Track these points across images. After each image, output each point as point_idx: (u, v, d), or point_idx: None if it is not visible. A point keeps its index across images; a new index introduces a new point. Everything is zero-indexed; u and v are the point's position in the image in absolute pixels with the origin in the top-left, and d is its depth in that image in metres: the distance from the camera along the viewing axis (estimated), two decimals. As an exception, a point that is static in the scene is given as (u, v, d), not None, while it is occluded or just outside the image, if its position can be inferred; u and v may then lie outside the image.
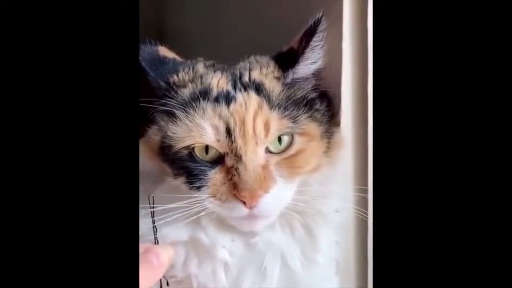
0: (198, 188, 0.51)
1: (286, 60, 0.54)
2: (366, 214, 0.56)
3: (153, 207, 0.50)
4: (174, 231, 0.53)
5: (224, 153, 0.51)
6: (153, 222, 0.50)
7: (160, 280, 0.48)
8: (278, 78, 0.54)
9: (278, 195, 0.51)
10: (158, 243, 0.50)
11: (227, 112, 0.51)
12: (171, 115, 0.52)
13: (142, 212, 0.48)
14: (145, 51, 0.54)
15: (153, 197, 0.50)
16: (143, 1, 0.48)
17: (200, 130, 0.50)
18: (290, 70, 0.53)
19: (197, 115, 0.51)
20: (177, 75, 0.54)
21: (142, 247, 0.47)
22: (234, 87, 0.53)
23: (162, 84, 0.53)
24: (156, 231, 0.50)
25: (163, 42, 0.58)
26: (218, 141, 0.50)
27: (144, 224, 0.50)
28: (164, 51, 0.57)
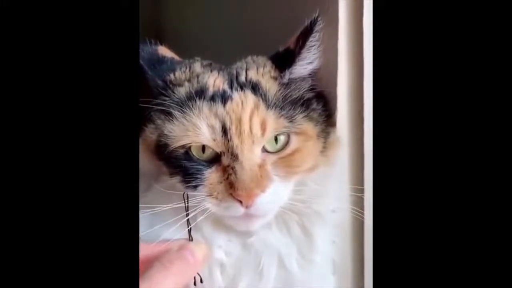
0: (194, 187, 0.51)
1: (283, 60, 0.54)
2: (362, 213, 0.56)
3: (188, 204, 0.50)
4: (170, 231, 0.52)
5: (220, 152, 0.51)
6: (188, 220, 0.50)
7: (194, 276, 0.48)
8: (274, 78, 0.54)
9: (275, 195, 0.51)
10: (192, 241, 0.51)
11: (223, 111, 0.51)
12: (168, 114, 0.52)
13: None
14: (145, 50, 0.55)
15: (187, 194, 0.50)
16: (143, 0, 0.48)
17: (196, 129, 0.50)
18: (286, 70, 0.54)
19: (193, 114, 0.51)
20: (174, 74, 0.54)
21: (176, 244, 0.47)
22: (231, 87, 0.53)
23: (159, 82, 0.53)
24: (190, 229, 0.50)
25: (162, 41, 0.58)
26: (214, 140, 0.50)
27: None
28: (163, 51, 0.58)
